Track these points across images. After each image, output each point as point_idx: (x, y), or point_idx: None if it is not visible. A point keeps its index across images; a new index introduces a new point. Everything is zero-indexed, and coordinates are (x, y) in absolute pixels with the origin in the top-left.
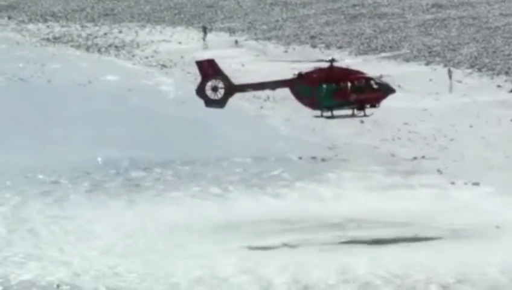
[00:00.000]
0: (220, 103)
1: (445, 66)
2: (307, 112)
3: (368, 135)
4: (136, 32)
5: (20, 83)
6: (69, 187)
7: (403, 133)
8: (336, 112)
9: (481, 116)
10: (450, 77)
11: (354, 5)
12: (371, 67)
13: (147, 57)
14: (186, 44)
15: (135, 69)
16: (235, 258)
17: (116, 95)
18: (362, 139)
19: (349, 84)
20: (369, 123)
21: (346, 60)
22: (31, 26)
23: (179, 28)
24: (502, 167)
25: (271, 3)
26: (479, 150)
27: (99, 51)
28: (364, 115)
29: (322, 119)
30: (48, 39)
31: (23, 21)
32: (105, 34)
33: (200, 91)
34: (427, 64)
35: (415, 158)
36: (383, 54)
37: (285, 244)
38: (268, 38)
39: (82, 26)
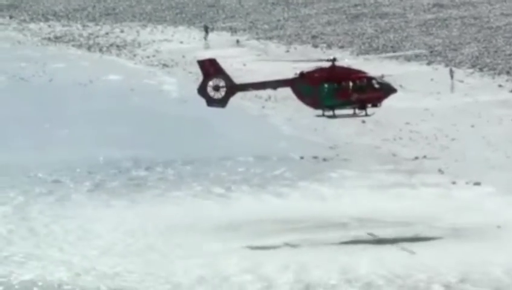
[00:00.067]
0: (222, 102)
1: (447, 65)
2: (309, 112)
3: (369, 135)
4: (138, 31)
5: (22, 83)
6: (70, 187)
7: (404, 133)
8: (338, 112)
9: (482, 116)
10: (452, 76)
11: (356, 5)
12: (373, 66)
13: (148, 57)
14: (188, 43)
15: (137, 69)
16: (237, 257)
17: (118, 94)
18: (364, 139)
19: (350, 83)
20: (370, 123)
21: (346, 60)
22: (32, 25)
23: (181, 28)
24: (504, 167)
25: (272, 3)
26: (480, 149)
27: (100, 50)
28: (366, 115)
29: (324, 119)
30: (49, 38)
31: (24, 20)
32: (106, 33)
33: (202, 90)
34: (428, 64)
35: (416, 158)
36: (387, 54)
37: (287, 244)
38: (270, 38)
39: (83, 26)
